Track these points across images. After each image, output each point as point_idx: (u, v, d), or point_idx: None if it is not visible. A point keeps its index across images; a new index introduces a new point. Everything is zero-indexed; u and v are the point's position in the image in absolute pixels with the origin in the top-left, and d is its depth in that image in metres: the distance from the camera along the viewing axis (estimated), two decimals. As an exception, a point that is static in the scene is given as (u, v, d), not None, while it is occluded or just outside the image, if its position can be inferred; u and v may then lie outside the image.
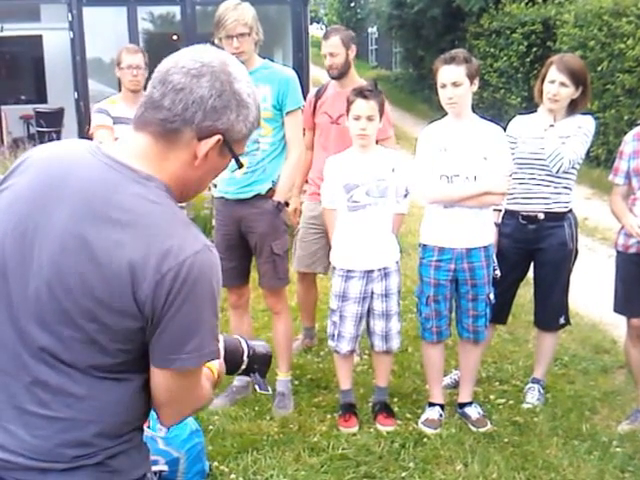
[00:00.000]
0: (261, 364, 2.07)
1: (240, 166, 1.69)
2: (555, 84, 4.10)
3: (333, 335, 4.20)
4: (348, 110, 4.02)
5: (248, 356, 2.01)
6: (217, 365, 1.81)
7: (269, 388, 2.17)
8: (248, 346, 2.03)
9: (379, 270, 4.08)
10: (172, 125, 1.55)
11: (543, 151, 4.11)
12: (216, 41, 4.15)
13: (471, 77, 3.91)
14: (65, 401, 1.54)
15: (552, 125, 4.08)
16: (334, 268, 4.21)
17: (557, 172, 4.09)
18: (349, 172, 4.04)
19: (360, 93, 3.98)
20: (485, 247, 4.05)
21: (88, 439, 1.55)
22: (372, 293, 4.10)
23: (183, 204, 6.63)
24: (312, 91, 5.13)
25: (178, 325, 1.51)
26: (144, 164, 1.57)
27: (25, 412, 1.54)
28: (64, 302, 1.50)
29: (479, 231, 4.04)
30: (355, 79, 4.82)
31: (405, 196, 4.16)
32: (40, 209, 1.55)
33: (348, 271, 4.09)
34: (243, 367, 2.02)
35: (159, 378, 1.58)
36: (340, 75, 4.78)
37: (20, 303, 1.54)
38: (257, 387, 2.11)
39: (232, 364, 1.96)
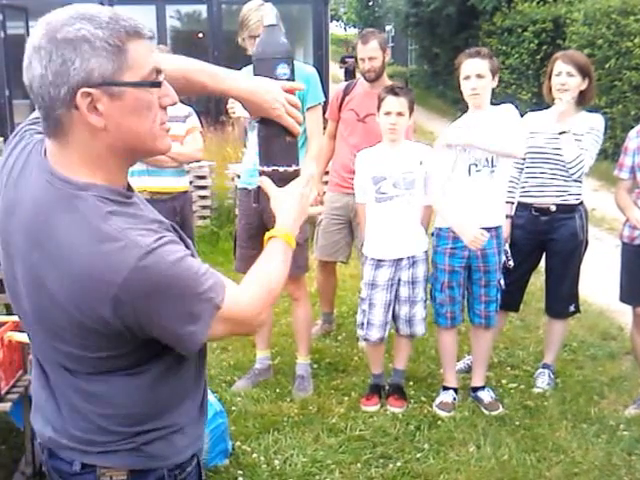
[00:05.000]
0: None
1: (158, 85, 1.40)
2: (562, 75, 4.05)
3: (362, 324, 4.15)
4: (379, 107, 4.00)
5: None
6: (291, 230, 1.77)
7: None
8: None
9: (407, 259, 4.04)
10: (49, 117, 1.36)
11: (556, 146, 4.05)
12: (239, 41, 4.11)
13: (493, 72, 3.88)
14: (83, 397, 1.49)
15: (566, 132, 4.00)
16: (365, 258, 4.16)
17: (578, 177, 4.04)
18: (377, 165, 4.02)
19: (391, 90, 3.98)
20: (497, 234, 4.00)
21: (113, 428, 1.50)
22: (399, 280, 4.06)
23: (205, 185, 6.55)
24: (341, 85, 5.11)
25: (158, 331, 1.40)
26: (70, 167, 1.40)
27: (67, 402, 1.52)
28: (48, 327, 1.45)
29: (491, 211, 3.98)
30: (386, 80, 4.76)
31: None
32: (7, 235, 1.46)
33: (379, 260, 4.06)
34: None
35: None
36: (377, 78, 4.72)
37: (24, 315, 1.51)
38: None
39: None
